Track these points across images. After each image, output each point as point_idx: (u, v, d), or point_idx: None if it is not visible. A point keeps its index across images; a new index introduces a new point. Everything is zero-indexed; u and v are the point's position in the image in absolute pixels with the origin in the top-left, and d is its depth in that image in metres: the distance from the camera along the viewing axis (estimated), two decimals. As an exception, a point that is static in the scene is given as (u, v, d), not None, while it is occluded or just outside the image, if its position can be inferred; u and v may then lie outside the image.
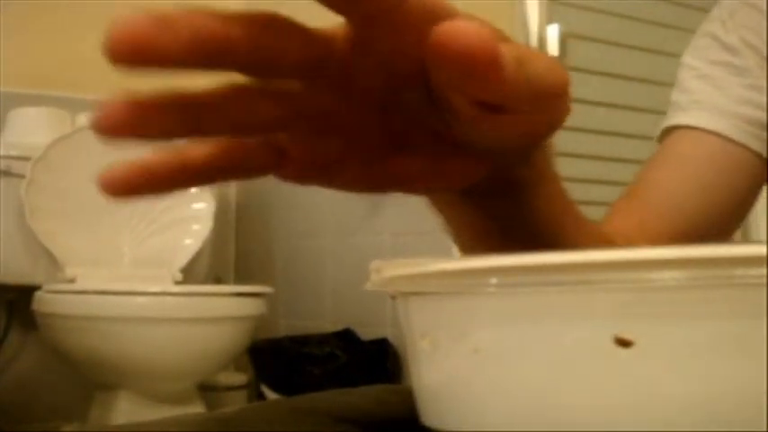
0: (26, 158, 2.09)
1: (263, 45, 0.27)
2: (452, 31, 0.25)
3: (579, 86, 2.08)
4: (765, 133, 0.64)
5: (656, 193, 0.65)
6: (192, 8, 0.26)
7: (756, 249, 0.21)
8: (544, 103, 0.31)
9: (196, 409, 1.97)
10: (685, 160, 0.66)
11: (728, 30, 0.67)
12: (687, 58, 0.69)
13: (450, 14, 0.28)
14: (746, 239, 1.76)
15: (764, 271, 0.21)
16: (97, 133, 0.27)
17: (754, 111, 0.64)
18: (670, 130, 0.67)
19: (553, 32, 1.99)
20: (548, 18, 1.98)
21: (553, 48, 1.98)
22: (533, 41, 1.94)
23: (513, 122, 0.31)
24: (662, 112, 0.69)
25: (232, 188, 2.68)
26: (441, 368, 0.27)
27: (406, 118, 0.33)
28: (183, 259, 2.20)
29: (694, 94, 0.66)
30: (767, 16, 0.64)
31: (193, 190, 2.25)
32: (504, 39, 0.30)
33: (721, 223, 0.65)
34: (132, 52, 0.26)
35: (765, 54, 0.65)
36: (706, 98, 0.66)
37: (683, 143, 0.66)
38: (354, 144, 0.33)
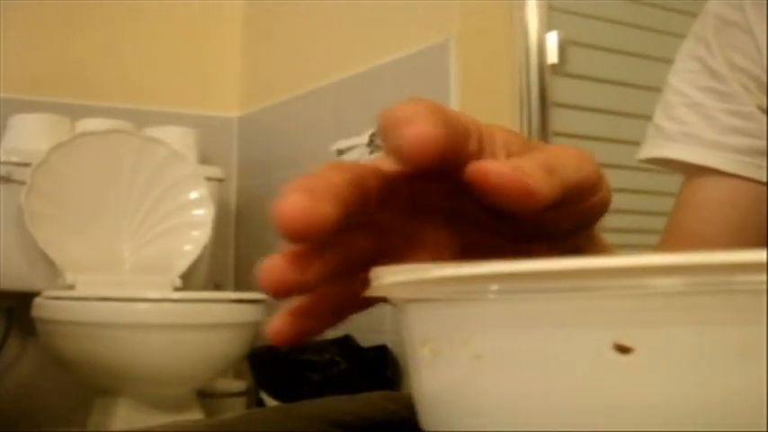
0: (26, 165, 2.09)
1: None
2: (484, 170, 0.28)
3: (579, 93, 2.08)
4: (758, 160, 0.64)
5: (691, 242, 0.65)
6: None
7: (756, 255, 0.21)
8: (580, 195, 0.32)
9: (195, 415, 1.96)
10: (712, 206, 0.66)
11: (714, 53, 0.66)
12: (674, 80, 0.69)
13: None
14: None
15: (764, 277, 0.21)
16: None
17: (743, 139, 0.64)
18: (654, 159, 0.68)
19: (552, 39, 1.99)
20: (547, 25, 1.98)
21: (552, 55, 1.98)
22: (533, 48, 1.94)
23: (556, 216, 0.33)
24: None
25: (232, 194, 2.68)
26: (441, 375, 0.27)
27: (472, 227, 0.35)
28: (182, 265, 2.20)
29: (685, 125, 0.66)
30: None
31: (192, 195, 2.25)
32: (531, 147, 0.32)
33: None
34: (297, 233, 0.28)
35: (757, 72, 0.65)
36: (697, 131, 0.66)
37: (704, 189, 0.66)
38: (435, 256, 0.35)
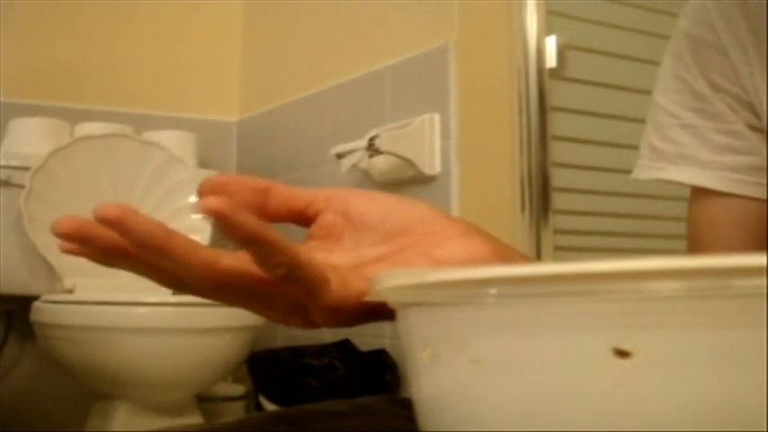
0: (26, 168, 2.09)
1: None
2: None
3: (577, 98, 2.08)
4: (755, 177, 0.64)
5: None
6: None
7: (755, 259, 0.21)
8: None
9: (194, 420, 1.96)
10: (722, 226, 0.67)
11: (695, 75, 0.67)
12: (662, 100, 0.69)
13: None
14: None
15: (764, 281, 0.21)
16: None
17: (738, 157, 0.65)
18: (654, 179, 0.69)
19: (551, 44, 1.99)
20: (546, 29, 1.98)
21: (551, 59, 1.98)
22: (532, 53, 1.95)
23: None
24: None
25: (231, 198, 2.68)
26: (441, 379, 0.27)
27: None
28: (181, 269, 2.20)
29: (682, 146, 0.67)
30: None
31: (192, 199, 2.25)
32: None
33: None
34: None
35: (736, 91, 0.65)
36: (693, 152, 0.66)
37: (710, 209, 0.67)
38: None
